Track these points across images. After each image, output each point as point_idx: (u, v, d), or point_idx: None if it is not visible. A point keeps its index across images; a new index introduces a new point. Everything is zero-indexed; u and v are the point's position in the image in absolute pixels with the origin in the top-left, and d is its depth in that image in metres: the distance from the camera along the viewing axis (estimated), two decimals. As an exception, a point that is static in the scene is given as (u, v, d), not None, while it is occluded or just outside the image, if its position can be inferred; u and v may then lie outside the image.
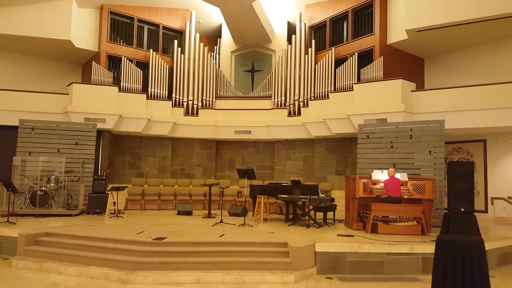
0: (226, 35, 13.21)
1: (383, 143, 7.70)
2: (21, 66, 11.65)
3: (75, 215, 7.71)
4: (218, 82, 12.54)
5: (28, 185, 7.88)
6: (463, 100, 8.63)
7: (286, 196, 7.24)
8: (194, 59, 12.26)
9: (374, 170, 6.94)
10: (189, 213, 8.50)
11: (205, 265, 4.75)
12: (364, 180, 6.56)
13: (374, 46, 10.31)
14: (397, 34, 10.04)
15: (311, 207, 7.39)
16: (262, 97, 12.31)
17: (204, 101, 12.21)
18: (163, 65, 11.93)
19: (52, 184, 7.81)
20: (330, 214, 7.45)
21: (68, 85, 10.76)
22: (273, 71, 12.26)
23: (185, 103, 11.96)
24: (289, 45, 12.03)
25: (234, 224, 6.81)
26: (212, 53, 13.28)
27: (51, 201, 7.74)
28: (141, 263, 4.69)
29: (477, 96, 8.49)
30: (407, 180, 6.61)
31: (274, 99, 12.03)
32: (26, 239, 5.35)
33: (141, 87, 11.48)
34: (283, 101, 11.91)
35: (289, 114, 11.73)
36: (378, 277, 4.89)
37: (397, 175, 6.54)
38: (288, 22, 12.86)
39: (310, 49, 11.71)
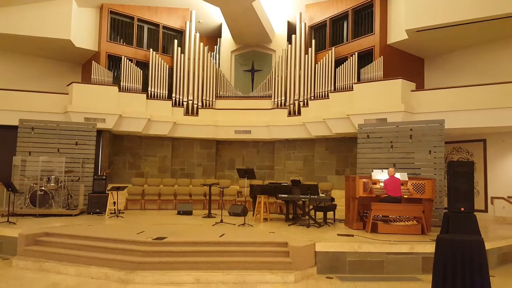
0: (226, 34, 13.21)
1: (383, 143, 7.71)
2: (21, 65, 11.64)
3: (75, 215, 7.70)
4: (218, 82, 12.54)
5: (28, 185, 7.88)
6: (463, 100, 8.63)
7: (286, 195, 7.24)
8: (194, 59, 12.26)
9: (374, 170, 6.94)
10: (189, 213, 8.50)
11: (205, 265, 4.75)
12: (364, 180, 6.56)
13: (374, 46, 10.31)
14: (397, 34, 10.04)
15: (311, 206, 7.39)
16: (262, 97, 12.31)
17: (204, 101, 12.20)
18: (163, 65, 11.92)
19: (52, 184, 7.81)
20: (330, 214, 7.45)
21: (68, 85, 10.76)
22: (273, 71, 12.26)
23: (185, 103, 11.96)
24: (289, 45, 12.03)
25: (234, 224, 6.81)
26: (212, 53, 13.27)
27: (51, 201, 7.74)
28: (141, 263, 4.69)
29: (477, 96, 8.50)
30: (407, 179, 6.61)
31: (274, 99, 12.03)
32: (26, 239, 5.35)
33: (141, 86, 11.47)
34: (283, 101, 11.91)
35: (289, 114, 11.73)
36: (378, 276, 4.90)
37: (397, 175, 6.54)
38: (288, 22, 12.86)
39: (310, 49, 11.70)
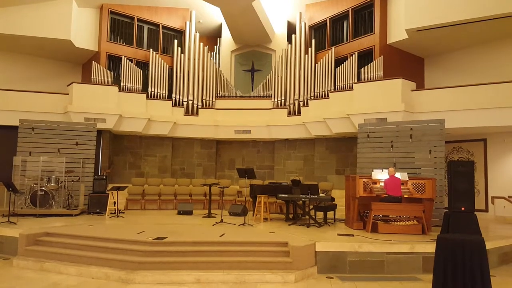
0: (226, 34, 13.21)
1: (383, 143, 7.71)
2: (21, 66, 11.65)
3: (76, 215, 7.71)
4: (218, 82, 12.54)
5: (28, 185, 7.89)
6: (463, 100, 8.63)
7: (286, 195, 7.24)
8: (194, 59, 12.26)
9: (374, 170, 6.94)
10: (189, 212, 8.50)
11: (206, 264, 4.75)
12: (364, 180, 6.56)
13: (374, 45, 10.30)
14: (397, 33, 10.03)
15: (311, 206, 7.39)
16: (262, 96, 12.31)
17: (204, 101, 12.20)
18: (163, 65, 11.92)
19: (52, 184, 7.81)
20: (330, 214, 7.45)
21: (68, 85, 10.76)
22: (273, 71, 12.26)
23: (185, 103, 11.96)
24: (289, 45, 12.03)
25: (234, 224, 6.81)
26: (212, 53, 13.27)
27: (52, 201, 7.74)
28: (141, 262, 4.69)
29: (477, 96, 8.49)
30: (407, 179, 6.61)
31: (274, 99, 12.03)
32: (27, 239, 5.36)
33: (141, 86, 11.48)
34: (283, 101, 11.91)
35: (289, 114, 11.72)
36: (378, 276, 4.90)
37: (397, 175, 6.54)
38: (288, 22, 12.86)
39: (310, 48, 11.70)
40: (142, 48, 12.16)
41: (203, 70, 12.29)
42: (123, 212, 8.49)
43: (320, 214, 7.35)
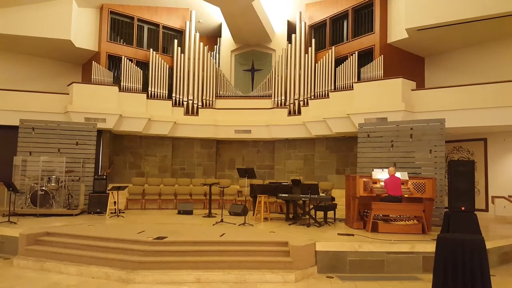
0: (226, 34, 13.20)
1: (383, 142, 7.70)
2: (21, 65, 11.65)
3: (76, 215, 7.71)
4: (218, 82, 12.54)
5: (28, 185, 7.89)
6: (463, 99, 8.62)
7: (286, 195, 7.24)
8: (194, 59, 12.25)
9: (374, 169, 6.94)
10: (189, 212, 8.51)
11: (206, 264, 4.75)
12: (364, 179, 6.56)
13: (374, 45, 10.29)
14: (397, 33, 10.02)
15: (311, 206, 7.39)
16: (262, 96, 12.31)
17: (204, 101, 12.20)
18: (163, 65, 11.92)
19: (52, 184, 7.82)
20: (330, 213, 7.45)
21: (68, 85, 10.77)
22: (273, 70, 12.26)
23: (185, 103, 11.96)
24: (289, 44, 12.02)
25: (235, 224, 6.81)
26: (212, 53, 13.27)
27: (52, 200, 7.74)
28: (141, 262, 4.70)
29: (478, 95, 8.48)
30: (408, 179, 6.61)
31: (274, 99, 12.02)
32: (27, 239, 5.36)
33: (141, 86, 11.48)
34: (283, 101, 11.90)
35: (289, 113, 11.72)
36: (378, 276, 4.90)
37: (398, 174, 6.54)
38: (288, 21, 12.85)
39: (310, 48, 11.70)
40: (142, 48, 12.16)
41: (203, 70, 12.29)
42: (123, 212, 8.49)
43: (320, 214, 7.35)
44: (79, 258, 4.95)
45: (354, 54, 10.58)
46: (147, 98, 11.38)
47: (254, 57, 13.45)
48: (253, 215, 7.75)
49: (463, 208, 5.77)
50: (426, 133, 7.27)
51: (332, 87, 10.94)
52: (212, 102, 12.28)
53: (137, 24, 12.08)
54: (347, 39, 11.18)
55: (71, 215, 7.64)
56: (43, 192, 7.67)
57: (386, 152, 7.62)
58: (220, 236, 5.53)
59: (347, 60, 10.71)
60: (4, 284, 4.35)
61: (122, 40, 11.87)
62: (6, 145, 9.39)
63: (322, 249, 5.03)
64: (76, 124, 9.03)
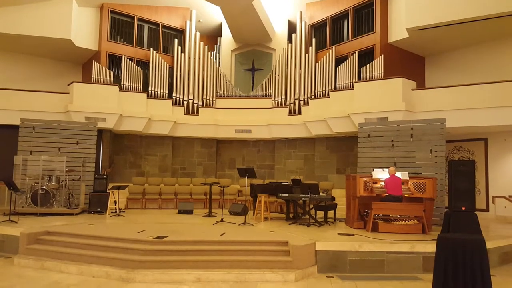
0: (226, 34, 13.20)
1: (383, 142, 7.70)
2: (22, 65, 11.66)
3: (76, 214, 7.72)
4: (219, 81, 12.53)
5: (29, 184, 7.90)
6: (464, 99, 8.62)
7: (286, 195, 7.24)
8: (195, 58, 12.25)
9: (374, 169, 6.93)
10: (189, 212, 8.51)
11: (206, 263, 4.76)
12: (364, 179, 6.56)
13: (374, 44, 10.29)
14: (398, 32, 10.01)
15: (311, 206, 7.39)
16: (263, 96, 12.30)
17: (204, 100, 12.20)
18: (164, 64, 11.92)
19: (53, 183, 7.82)
20: (330, 213, 7.45)
21: (68, 84, 10.77)
22: (274, 70, 12.25)
23: (185, 102, 11.96)
24: (290, 44, 12.01)
25: (235, 223, 6.82)
26: (212, 52, 13.26)
27: (52, 200, 7.75)
28: (142, 261, 4.70)
29: (478, 95, 8.48)
30: (408, 178, 6.61)
31: (275, 98, 12.02)
32: (28, 238, 5.37)
33: (141, 86, 11.48)
34: (283, 100, 11.90)
35: (290, 113, 11.72)
36: (379, 276, 4.90)
37: (398, 174, 6.54)
38: (289, 21, 12.84)
39: (310, 47, 11.69)
40: (142, 48, 12.16)
41: (203, 70, 12.28)
42: (124, 211, 8.50)
43: (320, 214, 7.35)
44: (79, 257, 4.96)
45: (354, 54, 10.58)
46: (147, 98, 11.38)
47: (254, 56, 13.44)
48: (253, 214, 7.75)
49: (463, 208, 5.77)
50: (427, 133, 7.27)
51: (333, 87, 10.94)
52: (213, 101, 12.28)
53: (138, 24, 12.08)
54: (347, 39, 11.17)
55: (72, 214, 7.65)
56: (43, 192, 7.67)
57: (387, 152, 7.62)
58: (220, 235, 5.53)
59: (347, 60, 10.70)
60: (4, 283, 4.35)
61: (122, 39, 11.87)
62: (7, 144, 9.40)
63: (322, 249, 5.03)
64: (77, 124, 9.03)
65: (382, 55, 9.89)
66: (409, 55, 10.74)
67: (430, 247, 5.01)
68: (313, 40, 11.77)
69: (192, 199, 9.58)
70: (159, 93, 11.71)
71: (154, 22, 12.33)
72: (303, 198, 7.02)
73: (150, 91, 11.57)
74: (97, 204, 8.10)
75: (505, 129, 8.94)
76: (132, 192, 9.51)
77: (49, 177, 7.85)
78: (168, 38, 12.64)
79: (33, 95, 10.35)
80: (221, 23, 13.24)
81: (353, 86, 10.06)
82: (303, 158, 11.84)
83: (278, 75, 12.04)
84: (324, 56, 11.31)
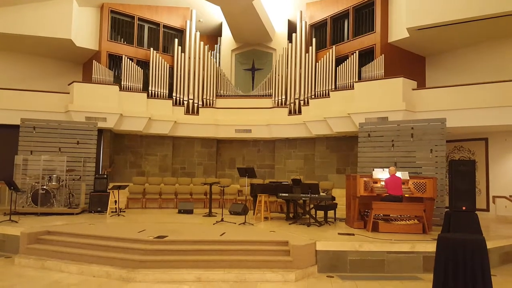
0: (226, 33, 13.20)
1: (384, 142, 7.70)
2: (22, 65, 11.66)
3: (77, 214, 7.73)
4: (219, 81, 12.53)
5: (30, 183, 7.90)
6: (464, 99, 8.61)
7: (286, 194, 7.24)
8: (195, 58, 12.25)
9: (375, 169, 6.93)
10: (190, 211, 8.51)
11: (206, 263, 4.76)
12: (365, 179, 6.55)
13: (375, 44, 10.28)
14: (398, 32, 10.01)
15: (311, 205, 7.39)
16: (263, 95, 12.30)
17: (204, 100, 12.20)
18: (164, 64, 11.92)
19: (53, 183, 7.83)
20: (331, 213, 7.45)
21: (69, 84, 10.78)
22: (274, 70, 12.25)
23: (185, 102, 11.96)
24: (290, 44, 12.01)
25: (235, 223, 6.82)
26: (213, 52, 13.26)
27: (53, 199, 7.76)
28: (142, 261, 4.70)
29: (479, 94, 8.47)
30: (408, 178, 6.60)
31: (275, 98, 12.02)
32: (28, 238, 5.37)
33: (141, 86, 11.48)
34: (283, 100, 11.90)
35: (290, 113, 11.71)
36: (379, 275, 4.90)
37: (398, 174, 6.53)
38: (289, 21, 12.84)
39: (310, 47, 11.68)
40: (142, 47, 12.16)
41: (203, 69, 12.28)
42: (124, 211, 8.51)
43: (320, 213, 7.35)
44: (80, 257, 4.96)
45: (354, 54, 10.57)
46: (147, 98, 11.38)
47: (254, 56, 13.44)
48: (254, 214, 7.75)
49: (464, 208, 5.77)
50: (427, 132, 7.27)
51: (333, 87, 10.93)
52: (213, 101, 12.28)
53: (138, 23, 12.08)
54: (347, 39, 11.17)
55: (72, 214, 7.66)
56: (44, 191, 7.68)
57: (387, 151, 7.62)
58: (221, 235, 5.53)
59: (347, 60, 10.69)
60: (5, 282, 4.36)
61: (122, 39, 11.87)
62: (7, 144, 9.40)
63: (322, 249, 5.03)
64: (77, 123, 9.04)
65: (383, 55, 9.89)
66: (409, 55, 10.73)
67: (430, 247, 5.01)
68: (313, 39, 11.76)
69: (192, 199, 9.58)
70: (159, 93, 11.71)
71: (154, 22, 12.33)
72: (303, 198, 7.02)
73: (150, 91, 11.57)
74: (97, 203, 8.10)
75: (505, 129, 8.93)
76: (132, 192, 9.51)
77: (50, 177, 7.86)
78: (168, 38, 12.64)
79: (33, 95, 10.35)
80: (221, 23, 13.24)
81: (353, 86, 10.06)
82: (303, 158, 11.83)
83: (278, 75, 12.03)
84: (324, 56, 11.30)
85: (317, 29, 12.09)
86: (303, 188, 7.02)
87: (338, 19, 11.53)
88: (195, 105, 12.05)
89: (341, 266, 5.00)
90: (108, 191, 8.21)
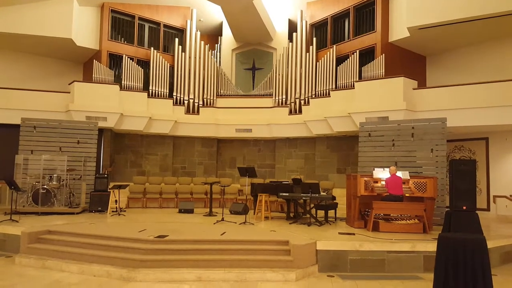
0: (227, 33, 13.19)
1: (384, 141, 7.69)
2: (23, 64, 11.66)
3: (77, 213, 7.73)
4: (219, 80, 12.53)
5: (30, 183, 7.91)
6: (465, 98, 8.60)
7: (287, 194, 7.24)
8: (195, 57, 12.24)
9: (375, 168, 6.93)
10: (190, 211, 8.52)
11: (207, 262, 4.76)
12: (365, 178, 6.55)
13: (375, 43, 10.27)
14: (398, 31, 9.99)
15: (312, 205, 7.39)
16: (263, 95, 12.30)
17: (205, 100, 12.20)
18: (164, 63, 11.92)
19: (54, 182, 7.84)
20: (331, 212, 7.45)
21: (69, 84, 10.78)
22: (274, 69, 12.24)
23: (186, 102, 11.96)
24: (290, 43, 12.00)
25: (235, 222, 6.82)
26: (213, 51, 13.25)
27: (53, 199, 7.76)
28: (143, 260, 4.71)
29: (480, 94, 8.46)
30: (409, 178, 6.60)
31: (275, 97, 12.01)
32: (29, 237, 5.38)
33: (142, 85, 11.48)
34: (284, 99, 11.89)
35: (290, 112, 11.71)
36: (379, 275, 4.89)
37: (399, 173, 6.53)
38: (289, 20, 12.82)
39: (311, 47, 11.67)
40: (143, 47, 12.16)
41: (204, 69, 12.28)
42: (125, 211, 8.52)
43: (321, 213, 7.35)
44: (80, 256, 4.96)
45: (355, 53, 10.56)
46: (148, 97, 11.38)
47: (255, 55, 13.43)
48: (254, 214, 7.75)
49: (464, 208, 5.76)
50: (428, 132, 7.26)
51: (333, 86, 10.93)
52: (213, 101, 12.28)
53: (138, 23, 12.08)
54: (348, 38, 11.15)
55: (73, 213, 7.67)
56: (44, 191, 7.69)
57: (387, 151, 7.62)
58: (221, 234, 5.54)
59: (348, 59, 10.68)
60: (6, 282, 4.36)
61: (123, 38, 11.87)
62: (8, 143, 9.41)
63: (323, 248, 5.03)
64: (77, 123, 9.04)
65: (383, 54, 9.88)
66: (410, 54, 10.72)
67: (431, 246, 5.01)
68: (314, 39, 11.75)
69: (193, 199, 9.59)
70: (159, 92, 11.71)
71: (154, 22, 12.33)
72: (303, 198, 7.02)
73: (150, 91, 11.57)
74: (98, 203, 8.11)
75: (506, 129, 8.92)
76: (133, 191, 9.52)
77: (50, 176, 7.87)
78: (168, 37, 12.63)
79: (34, 94, 10.36)
80: (222, 22, 13.23)
81: (354, 86, 10.05)
82: (304, 157, 11.83)
83: (279, 74, 12.03)
84: (325, 55, 11.29)
85: (318, 28, 12.08)
86: (303, 187, 7.02)
87: (338, 19, 11.52)
88: (196, 104, 12.05)
89: (341, 266, 5.00)
90: (108, 190, 8.22)
